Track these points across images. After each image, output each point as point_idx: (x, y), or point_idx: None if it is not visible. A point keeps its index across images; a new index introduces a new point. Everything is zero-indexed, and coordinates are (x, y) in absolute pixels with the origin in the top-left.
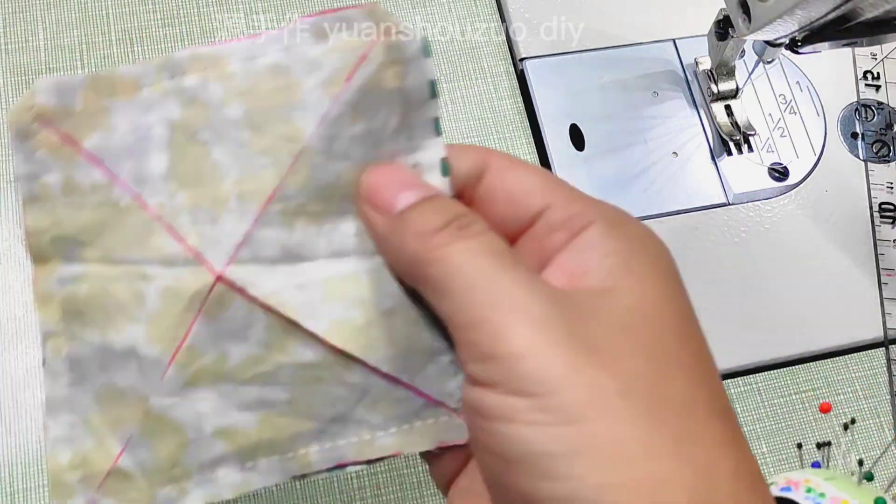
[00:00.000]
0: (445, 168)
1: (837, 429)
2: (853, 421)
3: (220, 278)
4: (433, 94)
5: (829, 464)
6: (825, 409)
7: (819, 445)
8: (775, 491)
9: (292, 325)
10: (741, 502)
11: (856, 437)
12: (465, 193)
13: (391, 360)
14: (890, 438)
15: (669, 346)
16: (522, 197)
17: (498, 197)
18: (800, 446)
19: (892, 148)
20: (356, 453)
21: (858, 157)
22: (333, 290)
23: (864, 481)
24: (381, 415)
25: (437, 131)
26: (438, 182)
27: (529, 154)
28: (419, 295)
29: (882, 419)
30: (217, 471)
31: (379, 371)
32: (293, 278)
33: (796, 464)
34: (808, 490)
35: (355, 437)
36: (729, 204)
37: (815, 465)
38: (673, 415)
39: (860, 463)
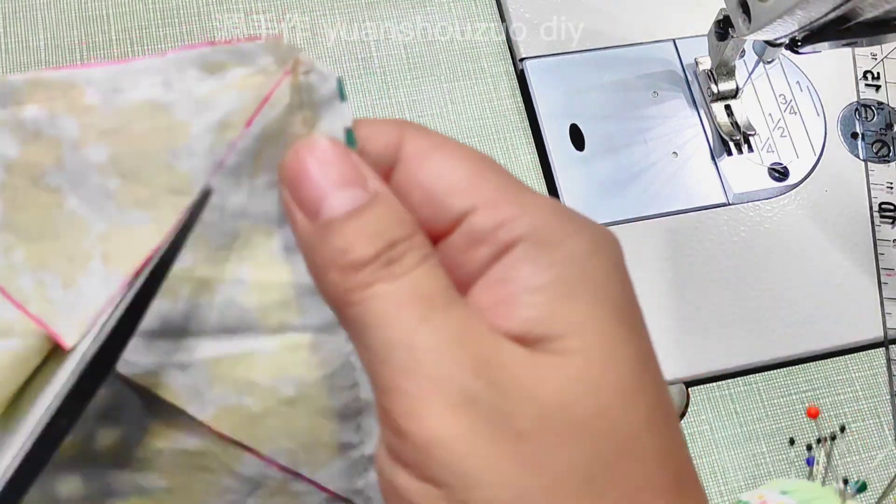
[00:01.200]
0: (351, 138)
1: (836, 429)
2: (842, 429)
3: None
4: (350, 142)
5: (820, 464)
6: (813, 413)
7: (809, 447)
8: None
9: (173, 408)
10: None
11: (856, 436)
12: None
13: (290, 453)
14: (890, 438)
15: (610, 422)
16: (442, 195)
17: (413, 193)
18: (792, 442)
19: (892, 148)
20: None
21: (858, 157)
22: (224, 373)
23: (851, 493)
24: None
25: (343, 97)
26: None
27: (529, 154)
28: (331, 382)
29: (882, 419)
30: None
31: (275, 463)
32: (174, 356)
33: (796, 464)
34: (783, 492)
35: None
36: (729, 204)
37: (810, 461)
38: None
39: (845, 481)
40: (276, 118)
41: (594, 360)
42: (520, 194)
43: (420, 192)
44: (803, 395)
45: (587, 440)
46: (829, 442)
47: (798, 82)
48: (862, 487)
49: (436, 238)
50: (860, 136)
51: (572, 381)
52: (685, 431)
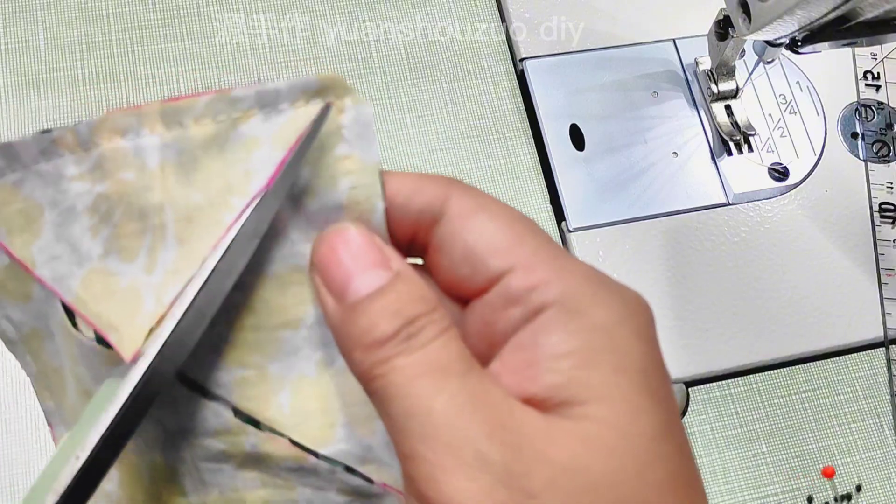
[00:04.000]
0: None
1: (838, 438)
2: (858, 489)
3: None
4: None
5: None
6: (829, 473)
7: (810, 499)
8: None
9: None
10: None
11: (856, 437)
12: (419, 236)
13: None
14: (891, 439)
15: (628, 489)
16: (482, 255)
17: (455, 250)
18: (810, 500)
19: (892, 148)
20: None
21: (858, 157)
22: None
23: None
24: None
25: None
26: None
27: (529, 154)
28: None
29: (882, 419)
30: None
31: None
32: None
33: (795, 463)
34: None
35: None
36: (729, 204)
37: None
38: None
39: (858, 488)
40: (317, 146)
41: (612, 427)
42: (556, 259)
43: (461, 249)
44: (803, 395)
45: (608, 466)
46: (857, 491)
47: (798, 82)
48: None
49: (473, 294)
50: (860, 136)
51: (588, 446)
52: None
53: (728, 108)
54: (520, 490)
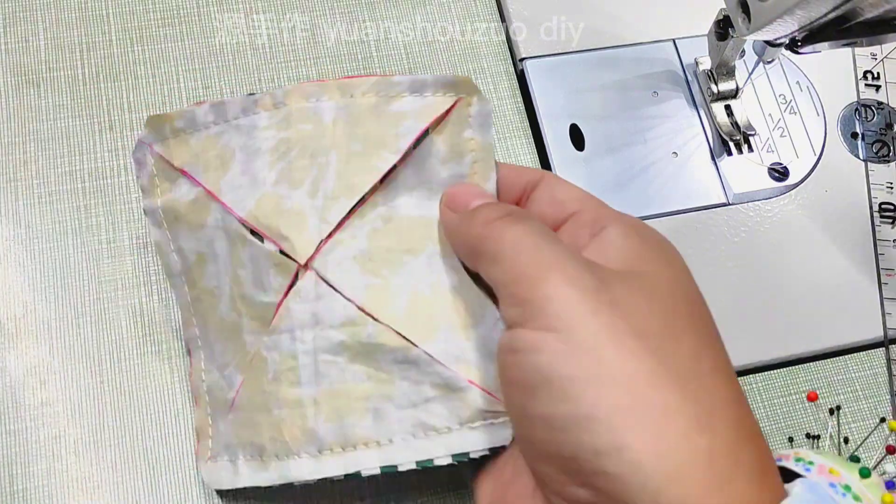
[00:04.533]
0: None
1: (835, 426)
2: (838, 407)
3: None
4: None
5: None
6: (812, 397)
7: (808, 435)
8: None
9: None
10: (736, 444)
11: (856, 437)
12: (523, 196)
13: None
14: (891, 439)
15: (680, 314)
16: (561, 202)
17: (544, 200)
18: (791, 440)
19: (892, 148)
20: (436, 449)
21: (858, 157)
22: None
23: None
24: (446, 409)
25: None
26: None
27: (529, 154)
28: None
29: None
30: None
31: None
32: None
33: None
34: (798, 460)
35: (431, 430)
36: (729, 204)
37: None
38: (679, 361)
39: (846, 440)
40: (451, 128)
41: (662, 280)
42: (611, 208)
43: (549, 199)
44: (803, 395)
45: (662, 317)
46: (830, 415)
47: (798, 82)
48: (854, 459)
49: (554, 228)
50: (860, 136)
51: (649, 283)
52: None
53: (728, 108)
54: (607, 296)
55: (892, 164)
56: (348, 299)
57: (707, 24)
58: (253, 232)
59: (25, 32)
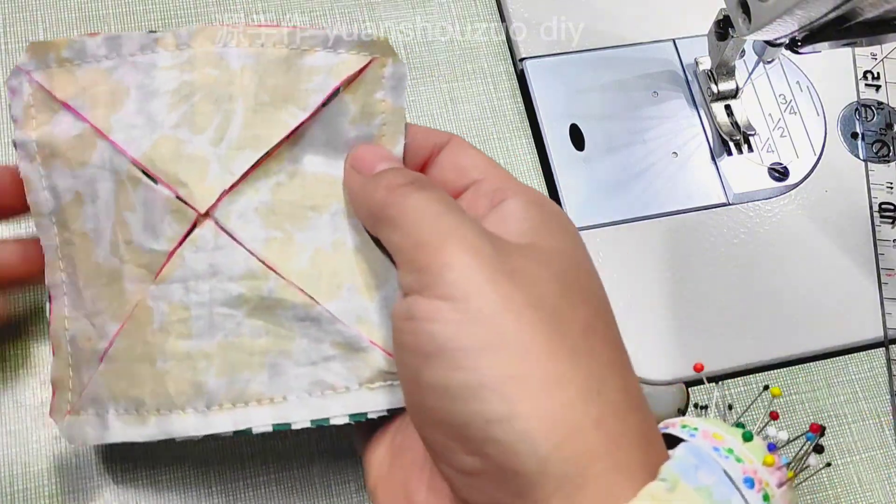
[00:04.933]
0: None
1: (837, 438)
2: (766, 387)
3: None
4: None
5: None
6: (698, 368)
7: (696, 405)
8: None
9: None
10: (623, 413)
11: (856, 437)
12: (428, 160)
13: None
14: (891, 439)
15: (574, 287)
16: (465, 169)
17: (448, 165)
18: (730, 407)
19: (892, 148)
20: (334, 408)
21: (858, 157)
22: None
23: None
24: (344, 367)
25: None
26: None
27: (529, 154)
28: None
29: (882, 419)
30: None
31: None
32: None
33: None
34: (683, 426)
35: (328, 388)
36: (729, 204)
37: (771, 447)
38: (573, 332)
39: (730, 407)
40: (364, 88)
41: (553, 250)
42: (514, 179)
43: (452, 166)
44: (803, 395)
45: (558, 287)
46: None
47: (798, 82)
48: (746, 437)
49: (456, 195)
50: (860, 136)
51: (546, 255)
52: None
53: (728, 108)
54: (505, 266)
55: (892, 164)
56: (250, 251)
57: (707, 24)
58: (147, 175)
59: (25, 32)
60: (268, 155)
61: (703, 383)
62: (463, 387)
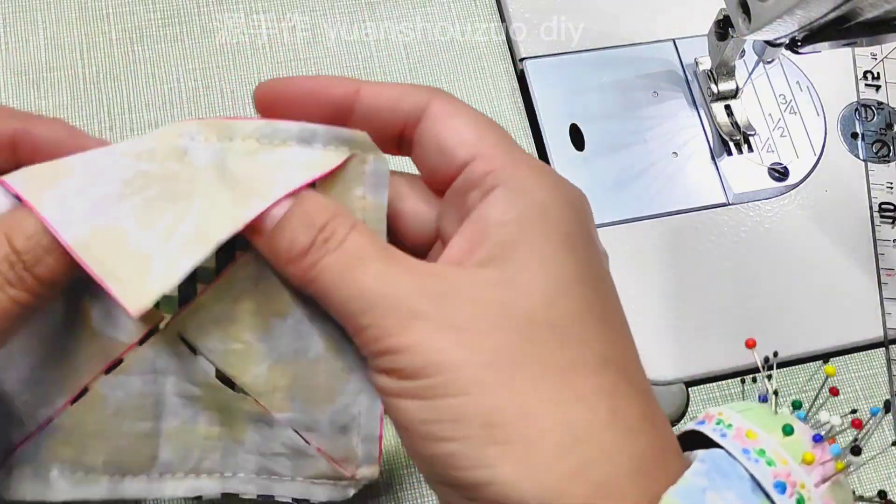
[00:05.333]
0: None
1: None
2: (825, 360)
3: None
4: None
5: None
6: (750, 344)
7: (743, 380)
8: (691, 425)
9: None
10: (613, 450)
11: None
12: (405, 133)
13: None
14: (890, 439)
15: (540, 314)
16: (451, 148)
17: (431, 144)
18: (742, 381)
19: (892, 148)
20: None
21: (858, 157)
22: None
23: (785, 410)
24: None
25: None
26: None
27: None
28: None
29: (882, 419)
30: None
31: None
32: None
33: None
34: (719, 422)
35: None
36: (729, 204)
37: (763, 398)
38: (544, 377)
39: (776, 393)
40: (342, 184)
41: (528, 271)
42: (512, 152)
43: (436, 144)
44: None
45: (515, 327)
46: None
47: (798, 82)
48: (797, 404)
49: (447, 182)
50: (860, 136)
51: (507, 286)
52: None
53: (728, 108)
54: (450, 328)
55: (892, 164)
56: (210, 361)
57: (707, 24)
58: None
59: (25, 32)
60: (233, 261)
61: (703, 383)
62: (438, 458)
